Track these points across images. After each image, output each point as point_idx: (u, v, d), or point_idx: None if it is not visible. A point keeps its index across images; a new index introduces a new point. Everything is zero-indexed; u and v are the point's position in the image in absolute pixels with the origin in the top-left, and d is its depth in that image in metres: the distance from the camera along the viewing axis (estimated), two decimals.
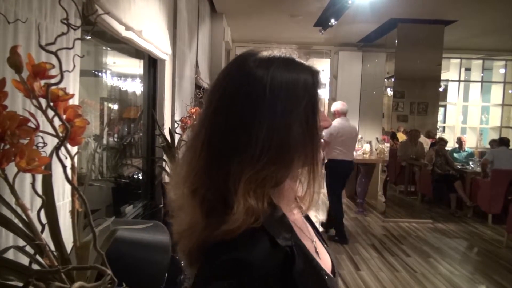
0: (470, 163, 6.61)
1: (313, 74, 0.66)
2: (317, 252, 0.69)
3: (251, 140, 0.59)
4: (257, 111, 0.60)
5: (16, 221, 0.76)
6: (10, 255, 0.85)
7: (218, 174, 0.61)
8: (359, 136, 6.84)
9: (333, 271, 0.71)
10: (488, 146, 6.86)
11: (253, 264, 0.56)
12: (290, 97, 0.61)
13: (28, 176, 0.78)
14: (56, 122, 0.70)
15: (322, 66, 8.12)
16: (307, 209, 0.71)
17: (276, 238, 0.58)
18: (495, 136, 7.64)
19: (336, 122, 4.51)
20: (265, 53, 0.65)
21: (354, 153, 6.39)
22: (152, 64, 2.76)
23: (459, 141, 7.11)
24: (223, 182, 0.60)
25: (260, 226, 0.58)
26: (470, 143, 8.20)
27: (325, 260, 0.70)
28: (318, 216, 5.76)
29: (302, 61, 0.67)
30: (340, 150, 4.47)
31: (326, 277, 0.65)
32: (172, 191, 0.67)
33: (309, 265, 0.63)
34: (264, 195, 0.60)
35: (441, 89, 7.14)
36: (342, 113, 4.56)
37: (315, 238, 0.73)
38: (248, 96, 0.61)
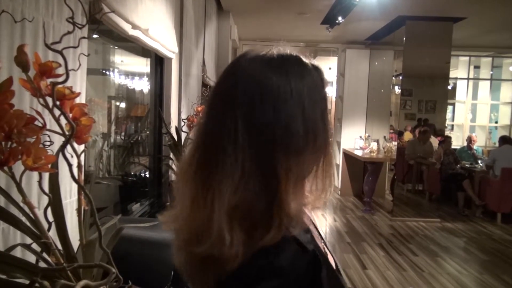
0: (479, 161, 6.55)
1: (319, 72, 0.65)
2: (326, 253, 0.69)
3: (296, 135, 0.57)
4: (287, 110, 0.58)
5: (23, 219, 0.77)
6: (18, 252, 0.86)
7: (263, 177, 0.56)
8: (367, 134, 6.81)
9: (337, 270, 0.71)
10: (497, 145, 6.78)
11: (283, 269, 0.54)
12: (311, 98, 0.61)
13: (35, 175, 0.79)
14: (63, 120, 0.70)
15: (330, 64, 8.08)
16: (320, 206, 0.70)
17: (303, 242, 0.57)
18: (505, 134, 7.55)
19: None
20: (275, 53, 0.62)
21: (362, 151, 6.38)
22: (158, 62, 2.77)
23: (469, 140, 7.00)
24: (268, 186, 0.56)
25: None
26: (479, 141, 8.12)
27: (331, 260, 0.70)
28: (326, 215, 5.75)
29: (308, 61, 0.66)
30: None
31: (341, 278, 0.65)
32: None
33: (329, 268, 0.62)
34: (303, 193, 0.59)
35: (449, 87, 7.07)
36: None
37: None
38: (276, 100, 0.58)
